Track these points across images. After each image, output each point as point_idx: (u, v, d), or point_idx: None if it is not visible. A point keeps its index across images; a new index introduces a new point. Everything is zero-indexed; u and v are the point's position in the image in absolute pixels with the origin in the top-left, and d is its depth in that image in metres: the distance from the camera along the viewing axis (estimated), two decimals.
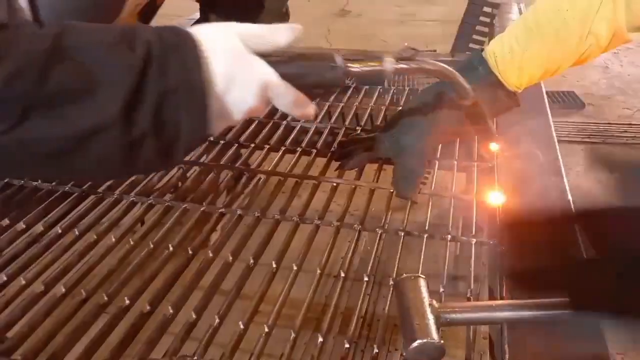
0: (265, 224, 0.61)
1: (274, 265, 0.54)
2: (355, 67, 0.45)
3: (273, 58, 0.43)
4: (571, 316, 0.39)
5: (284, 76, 0.43)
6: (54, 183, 0.69)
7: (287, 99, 0.44)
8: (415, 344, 0.40)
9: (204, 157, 0.76)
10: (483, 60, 0.60)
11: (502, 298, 0.48)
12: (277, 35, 0.43)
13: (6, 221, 0.62)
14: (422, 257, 0.54)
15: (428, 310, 0.42)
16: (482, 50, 0.63)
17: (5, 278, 0.54)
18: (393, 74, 0.46)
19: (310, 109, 0.46)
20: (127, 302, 0.50)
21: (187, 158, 0.75)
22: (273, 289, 0.52)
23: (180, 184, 0.71)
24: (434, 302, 0.43)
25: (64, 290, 0.52)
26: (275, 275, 0.54)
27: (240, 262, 0.56)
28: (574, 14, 0.56)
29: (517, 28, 0.60)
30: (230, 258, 0.55)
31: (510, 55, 0.58)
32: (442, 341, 0.39)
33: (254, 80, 0.41)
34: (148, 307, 0.49)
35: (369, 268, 0.54)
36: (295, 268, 0.53)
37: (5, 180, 0.70)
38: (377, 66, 0.46)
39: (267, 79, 0.42)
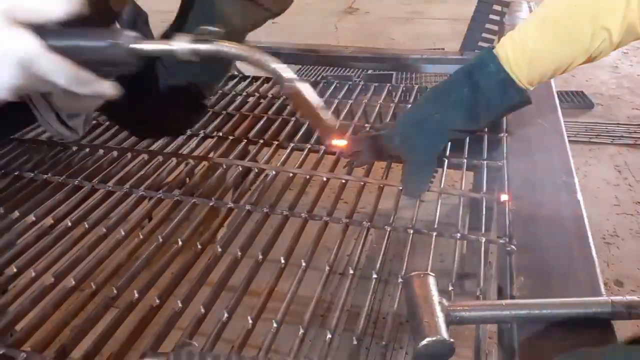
0: (274, 220, 0.61)
1: (283, 262, 0.54)
2: (143, 46, 0.43)
3: (46, 31, 0.40)
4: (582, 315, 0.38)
5: (60, 51, 0.40)
6: (64, 176, 0.69)
7: (62, 75, 0.41)
8: (424, 342, 0.39)
9: (212, 152, 0.76)
10: (494, 57, 0.60)
11: (511, 297, 0.47)
12: (48, 5, 0.39)
13: (16, 213, 0.62)
14: (431, 254, 0.54)
15: (438, 308, 0.42)
16: (493, 47, 0.62)
17: (15, 270, 0.54)
18: (187, 55, 0.43)
19: (102, 86, 0.43)
20: (136, 295, 0.50)
21: (195, 153, 0.75)
22: (281, 285, 0.52)
23: (188, 179, 0.71)
24: (444, 300, 0.43)
25: (73, 283, 0.52)
26: (283, 272, 0.54)
27: (249, 258, 0.56)
28: (586, 9, 0.55)
29: (529, 24, 0.60)
30: (239, 253, 0.55)
31: (522, 52, 0.58)
32: (452, 339, 0.39)
33: (11, 56, 0.38)
34: (157, 301, 0.50)
35: (377, 266, 0.54)
36: (304, 264, 0.53)
37: (16, 173, 0.71)
38: (167, 46, 0.43)
39: (30, 54, 0.39)
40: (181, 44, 0.43)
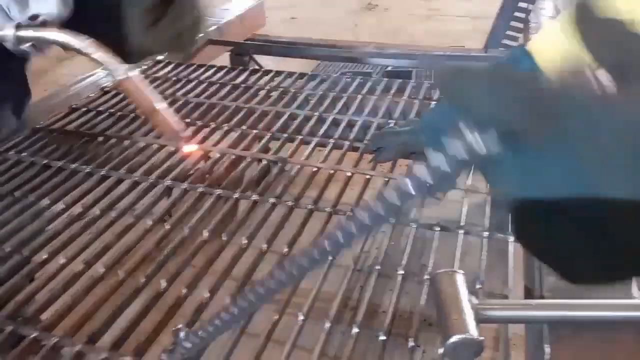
0: (299, 214, 0.61)
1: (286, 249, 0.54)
2: None
3: None
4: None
5: None
6: (91, 166, 0.70)
7: None
8: (453, 339, 0.39)
9: (236, 147, 0.76)
10: (527, 54, 0.59)
11: (541, 298, 0.47)
12: None
13: (46, 201, 0.63)
14: (457, 252, 0.53)
15: (467, 306, 0.41)
16: (521, 45, 0.61)
17: (46, 256, 0.55)
18: (13, 41, 0.48)
19: None
20: (164, 285, 0.51)
21: (223, 146, 0.75)
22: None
23: (212, 172, 0.71)
24: (473, 298, 0.42)
25: (103, 270, 0.53)
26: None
27: (273, 252, 0.56)
28: (621, 3, 0.54)
29: (564, 21, 0.59)
30: (265, 246, 0.56)
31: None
32: (482, 337, 0.39)
33: None
34: (184, 291, 0.50)
35: (397, 263, 0.54)
36: (330, 259, 0.53)
37: (44, 162, 0.72)
38: None
39: None
40: (7, 31, 0.48)
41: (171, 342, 0.43)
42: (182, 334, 0.42)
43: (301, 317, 0.47)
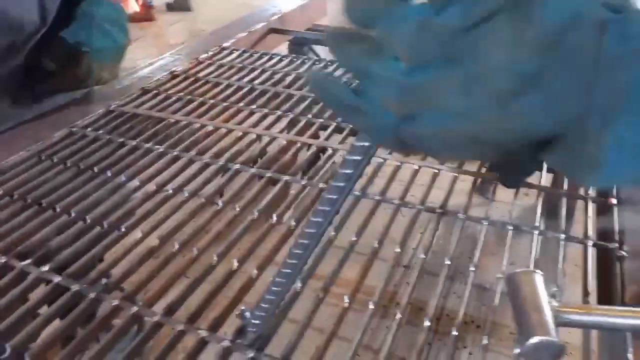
0: (385, 208, 0.61)
1: (376, 245, 0.54)
2: None
3: None
4: None
5: None
6: (164, 146, 0.73)
7: None
8: (534, 339, 0.38)
9: (285, 131, 0.77)
10: None
11: (623, 305, 0.45)
12: None
13: (122, 177, 0.66)
14: (533, 253, 0.52)
15: (547, 307, 0.40)
16: None
17: (124, 229, 0.58)
18: None
19: None
20: (236, 264, 0.52)
21: (290, 134, 0.76)
22: (345, 271, 0.52)
23: (279, 157, 0.72)
24: (553, 300, 0.41)
25: (177, 246, 0.55)
26: (349, 256, 0.54)
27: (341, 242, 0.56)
28: None
29: None
30: (333, 233, 0.56)
31: None
32: (563, 341, 0.38)
33: None
34: (255, 272, 0.51)
35: (474, 260, 0.53)
36: (376, 245, 0.53)
37: (120, 140, 0.75)
38: None
39: None
40: None
41: (239, 325, 0.44)
42: (247, 314, 0.44)
43: (371, 307, 0.47)
